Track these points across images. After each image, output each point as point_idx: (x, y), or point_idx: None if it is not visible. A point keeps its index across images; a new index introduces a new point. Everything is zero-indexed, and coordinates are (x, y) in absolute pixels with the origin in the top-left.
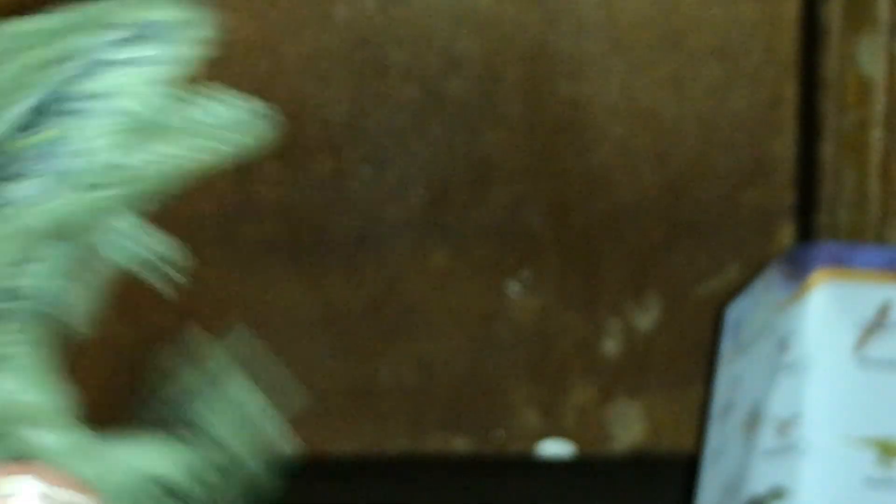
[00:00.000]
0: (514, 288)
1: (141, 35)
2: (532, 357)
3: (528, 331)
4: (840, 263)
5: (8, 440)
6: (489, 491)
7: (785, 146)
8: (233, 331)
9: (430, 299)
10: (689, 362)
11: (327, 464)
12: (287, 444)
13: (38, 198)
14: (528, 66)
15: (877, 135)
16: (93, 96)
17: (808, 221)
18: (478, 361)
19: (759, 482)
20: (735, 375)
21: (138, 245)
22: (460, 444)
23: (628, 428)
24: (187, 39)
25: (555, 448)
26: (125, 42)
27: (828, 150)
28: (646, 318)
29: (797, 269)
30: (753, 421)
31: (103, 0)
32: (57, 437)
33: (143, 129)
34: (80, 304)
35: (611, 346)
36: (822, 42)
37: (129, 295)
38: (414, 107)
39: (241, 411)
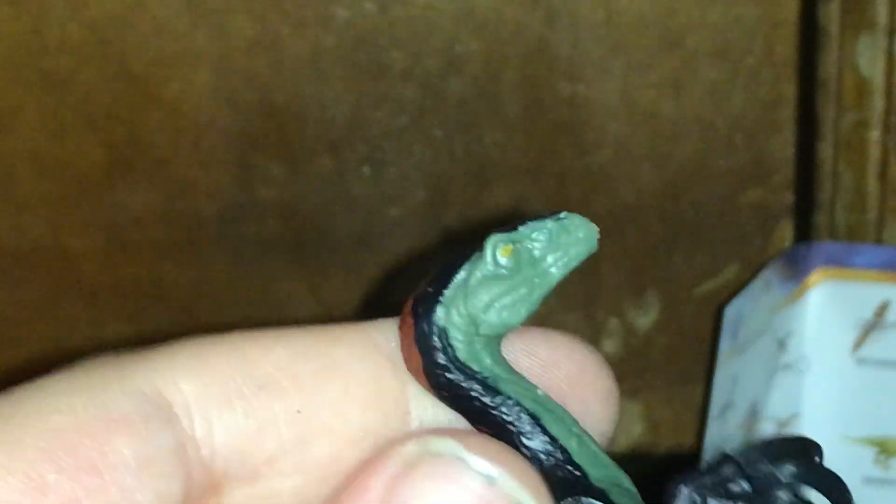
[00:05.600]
0: None
1: None
2: None
3: (527, 330)
4: (838, 263)
5: None
6: None
7: (784, 146)
8: None
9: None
10: (688, 362)
11: None
12: None
13: None
14: (527, 67)
15: (875, 135)
16: None
17: (806, 221)
18: None
19: None
20: (734, 375)
21: None
22: None
23: (628, 427)
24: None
25: None
26: None
27: (826, 150)
28: (645, 318)
29: (795, 268)
30: (752, 420)
31: None
32: None
33: None
34: None
35: (610, 345)
36: (820, 43)
37: (127, 294)
38: (414, 107)
39: None
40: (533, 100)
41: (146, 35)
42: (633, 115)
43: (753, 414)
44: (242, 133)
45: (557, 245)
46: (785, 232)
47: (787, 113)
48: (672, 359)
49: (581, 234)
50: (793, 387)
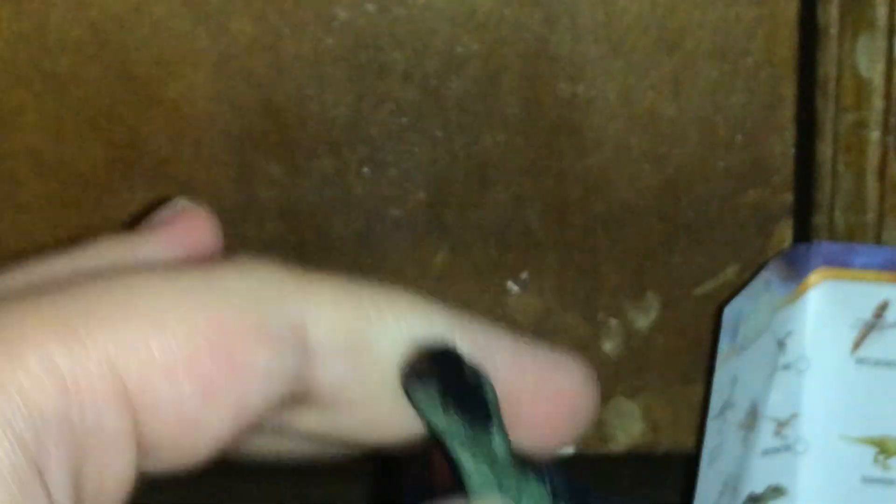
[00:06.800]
0: (513, 288)
1: None
2: None
3: (528, 331)
4: (838, 263)
5: None
6: None
7: (783, 147)
8: None
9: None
10: (687, 362)
11: (328, 464)
12: None
13: None
14: (527, 68)
15: (874, 136)
16: None
17: (805, 222)
18: None
19: (758, 481)
20: (733, 375)
21: None
22: None
23: (627, 427)
24: None
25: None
26: None
27: (825, 150)
28: (645, 318)
29: (795, 269)
30: (751, 420)
31: None
32: None
33: None
34: None
35: (610, 345)
36: (820, 43)
37: None
38: (414, 107)
39: None
40: (533, 100)
41: (147, 36)
42: (633, 116)
43: (753, 413)
44: (242, 133)
45: None
46: (784, 232)
47: (787, 113)
48: (672, 359)
49: None
50: (792, 386)
